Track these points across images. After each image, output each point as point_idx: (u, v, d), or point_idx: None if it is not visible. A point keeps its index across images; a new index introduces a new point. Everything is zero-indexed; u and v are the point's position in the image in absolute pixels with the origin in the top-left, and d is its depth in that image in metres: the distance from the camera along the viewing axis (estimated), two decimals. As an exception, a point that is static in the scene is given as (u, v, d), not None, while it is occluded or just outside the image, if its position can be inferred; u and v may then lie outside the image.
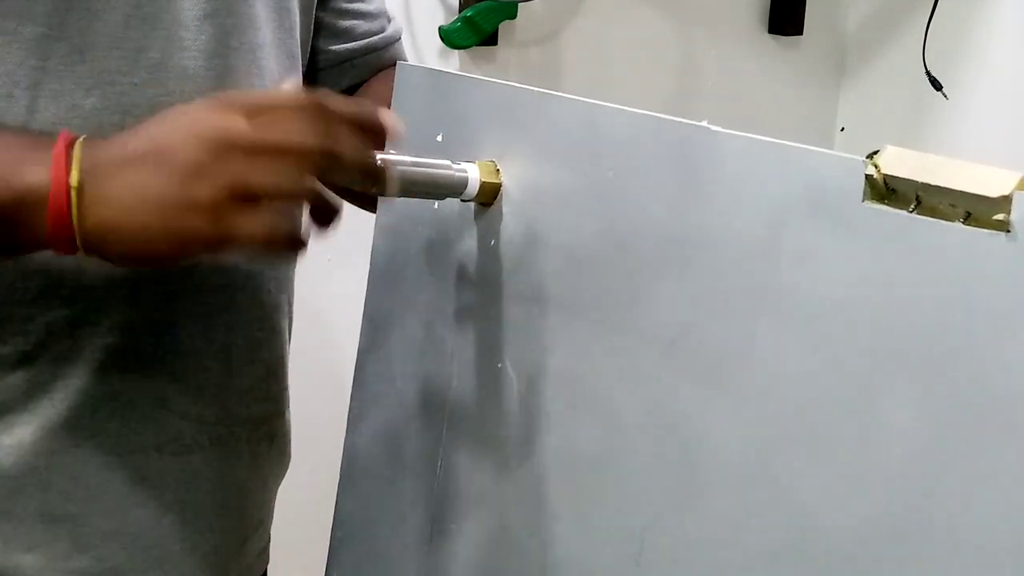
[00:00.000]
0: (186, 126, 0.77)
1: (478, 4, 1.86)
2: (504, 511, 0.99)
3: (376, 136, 0.83)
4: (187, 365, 0.98)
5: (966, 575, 0.71)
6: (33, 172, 0.78)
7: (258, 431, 1.08)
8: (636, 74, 2.10)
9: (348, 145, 0.79)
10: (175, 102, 0.84)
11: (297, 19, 1.05)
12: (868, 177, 0.74)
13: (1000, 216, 0.69)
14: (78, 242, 0.77)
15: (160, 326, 0.96)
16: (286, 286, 1.09)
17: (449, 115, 1.03)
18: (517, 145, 0.97)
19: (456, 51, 1.91)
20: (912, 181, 0.73)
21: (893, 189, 0.74)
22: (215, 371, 1.01)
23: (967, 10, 2.06)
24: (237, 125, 0.76)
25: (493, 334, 0.99)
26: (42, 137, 0.81)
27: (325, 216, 0.81)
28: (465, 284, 1.01)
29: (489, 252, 0.99)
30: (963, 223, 0.70)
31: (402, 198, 1.00)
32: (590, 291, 0.92)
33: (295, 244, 0.80)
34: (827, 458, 0.77)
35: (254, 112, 0.77)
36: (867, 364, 0.75)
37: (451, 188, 0.96)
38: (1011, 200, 0.68)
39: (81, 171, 0.77)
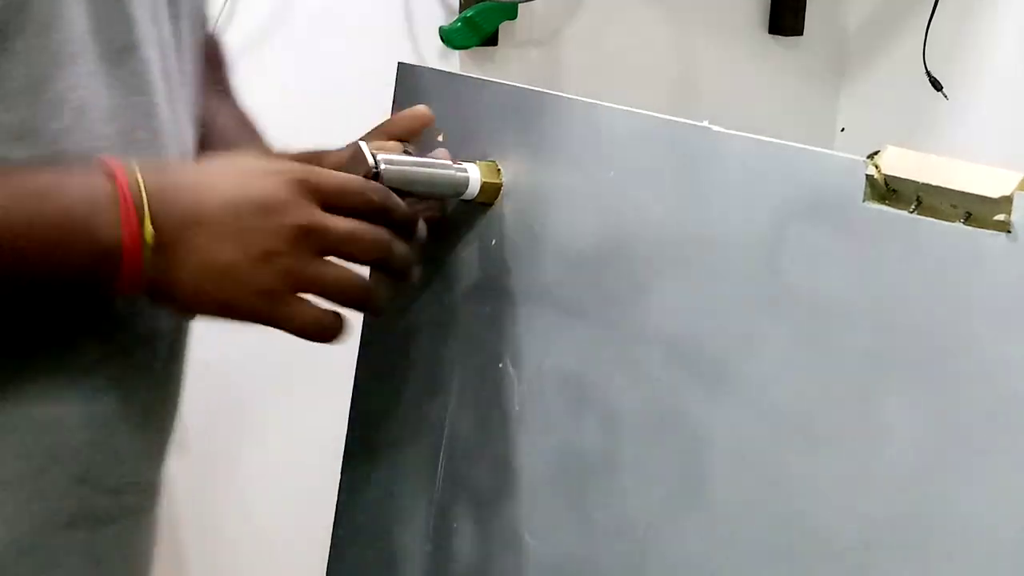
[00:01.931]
0: (266, 207, 0.78)
1: (478, 4, 1.86)
2: (505, 511, 0.99)
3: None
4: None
5: (966, 574, 0.71)
6: (105, 232, 0.76)
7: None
8: (636, 74, 2.09)
9: (401, 248, 0.84)
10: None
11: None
12: (869, 177, 0.74)
13: (1001, 216, 0.69)
14: (143, 290, 0.78)
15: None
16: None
17: (450, 115, 1.03)
18: (518, 145, 0.97)
19: (456, 51, 1.91)
20: (913, 181, 0.73)
21: (894, 189, 0.74)
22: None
23: (967, 10, 2.06)
24: (314, 219, 0.79)
25: (494, 334, 0.99)
26: (96, 176, 0.77)
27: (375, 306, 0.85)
28: (466, 284, 1.02)
29: (490, 252, 0.99)
30: (964, 223, 0.70)
31: (403, 198, 1.00)
32: (591, 291, 0.92)
33: (338, 333, 0.83)
34: (828, 458, 0.77)
35: (325, 196, 0.80)
36: (868, 364, 0.75)
37: (452, 188, 0.96)
38: (1012, 200, 0.68)
39: (155, 227, 0.76)
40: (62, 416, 0.83)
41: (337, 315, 0.83)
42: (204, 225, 0.78)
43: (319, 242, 0.80)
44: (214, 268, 0.78)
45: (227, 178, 0.80)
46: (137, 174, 0.77)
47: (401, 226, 0.85)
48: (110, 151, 0.79)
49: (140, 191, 0.76)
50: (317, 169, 0.82)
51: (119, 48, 0.81)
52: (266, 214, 0.78)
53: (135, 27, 0.83)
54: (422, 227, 0.86)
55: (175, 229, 0.77)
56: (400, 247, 0.84)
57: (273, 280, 0.79)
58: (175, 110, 0.87)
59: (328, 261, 0.81)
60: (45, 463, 0.83)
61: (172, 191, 0.78)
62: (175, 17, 0.89)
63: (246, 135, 1.03)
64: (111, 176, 0.77)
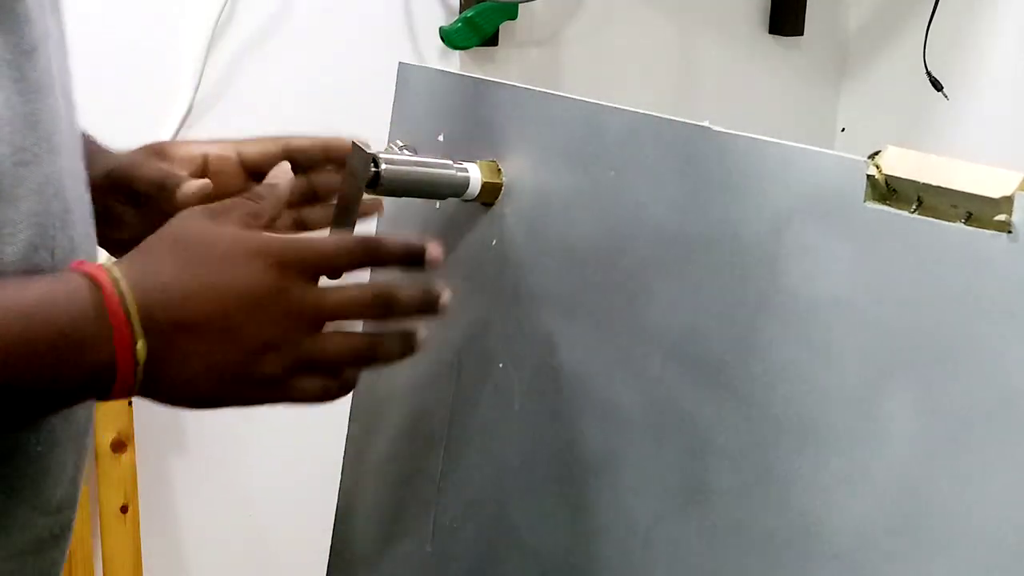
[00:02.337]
0: (255, 300, 0.76)
1: (479, 4, 1.86)
2: (505, 511, 0.99)
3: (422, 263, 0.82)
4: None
5: (966, 574, 0.71)
6: (98, 354, 0.74)
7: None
8: (636, 74, 2.09)
9: (405, 292, 0.80)
10: None
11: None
12: (869, 177, 0.74)
13: (1001, 217, 0.69)
14: (135, 395, 0.77)
15: None
16: None
17: (450, 115, 1.03)
18: (518, 145, 0.97)
19: (457, 51, 1.91)
20: (913, 182, 0.73)
21: (894, 189, 0.74)
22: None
23: (967, 10, 2.06)
24: (302, 297, 0.77)
25: (494, 334, 0.99)
26: (81, 290, 0.74)
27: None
28: (466, 284, 1.01)
29: (490, 252, 0.99)
30: (964, 224, 0.70)
31: (403, 198, 1.00)
32: (592, 291, 0.92)
33: (349, 390, 0.83)
34: (828, 457, 0.77)
35: (311, 271, 0.78)
36: (868, 363, 0.75)
37: (452, 188, 0.96)
38: (1012, 201, 0.68)
39: (145, 340, 0.74)
40: (21, 443, 0.81)
41: (348, 380, 0.82)
42: (195, 330, 0.76)
43: (315, 320, 0.78)
44: (211, 371, 0.77)
45: (210, 271, 0.76)
46: (121, 282, 0.74)
47: (404, 262, 0.82)
48: (26, 158, 0.77)
49: (128, 303, 0.74)
50: (295, 242, 0.79)
51: (26, 51, 0.79)
52: (256, 308, 0.76)
53: (34, 28, 0.81)
54: (432, 248, 0.81)
55: (166, 338, 0.75)
56: (404, 291, 0.80)
57: (273, 369, 0.78)
58: (69, 110, 0.85)
59: (327, 334, 0.78)
60: (7, 495, 0.81)
61: (158, 295, 0.75)
62: (56, 11, 0.86)
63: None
64: (95, 286, 0.74)
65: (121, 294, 0.74)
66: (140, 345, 0.74)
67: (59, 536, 0.87)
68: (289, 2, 1.78)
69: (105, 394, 0.76)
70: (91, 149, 0.95)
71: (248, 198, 0.83)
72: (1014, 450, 0.69)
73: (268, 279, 0.76)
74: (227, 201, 0.82)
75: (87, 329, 0.74)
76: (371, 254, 0.81)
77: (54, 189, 0.79)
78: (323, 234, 0.92)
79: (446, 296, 0.81)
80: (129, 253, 0.78)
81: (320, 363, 0.79)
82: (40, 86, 0.79)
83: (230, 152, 0.97)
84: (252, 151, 0.97)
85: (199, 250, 0.77)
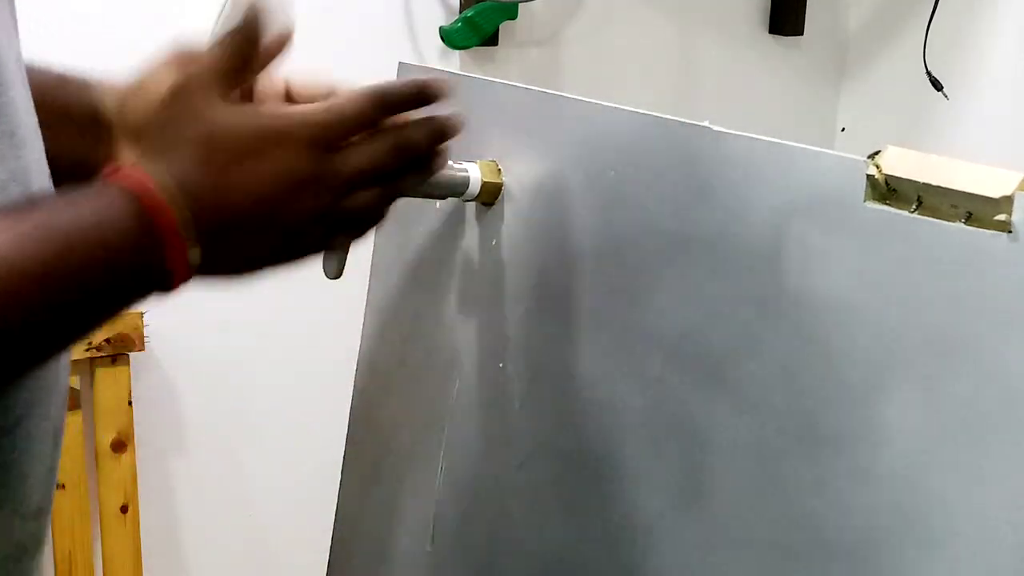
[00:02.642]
0: (289, 180, 0.79)
1: (479, 4, 1.86)
2: (505, 511, 0.99)
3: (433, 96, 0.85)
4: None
5: (966, 574, 0.71)
6: (151, 264, 0.75)
7: None
8: (636, 74, 2.09)
9: (418, 128, 0.84)
10: None
11: None
12: (869, 177, 0.74)
13: (1001, 217, 0.69)
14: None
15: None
16: None
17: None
18: (518, 145, 0.97)
19: (457, 51, 1.91)
20: (913, 182, 0.73)
21: (894, 189, 0.74)
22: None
23: (967, 10, 2.06)
24: (335, 169, 0.80)
25: (494, 334, 0.99)
26: (122, 202, 0.75)
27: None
28: (467, 284, 1.01)
29: (491, 252, 0.99)
30: (964, 223, 0.70)
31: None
32: (592, 291, 0.92)
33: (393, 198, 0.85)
34: (828, 457, 0.77)
35: (337, 140, 0.81)
36: (869, 364, 0.75)
37: (452, 188, 0.96)
38: (1012, 201, 0.68)
39: (199, 246, 0.76)
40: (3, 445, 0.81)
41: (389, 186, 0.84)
42: (243, 225, 0.78)
43: (350, 183, 0.81)
44: (262, 252, 0.80)
45: (248, 164, 0.78)
46: (170, 193, 0.76)
47: (418, 103, 0.84)
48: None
49: (178, 215, 0.76)
50: (319, 118, 0.81)
51: None
52: (296, 190, 0.79)
53: None
54: (437, 83, 0.84)
55: (217, 238, 0.77)
56: (417, 128, 0.84)
57: (318, 232, 0.81)
58: (29, 100, 0.84)
59: (359, 195, 0.82)
60: None
61: (206, 200, 0.77)
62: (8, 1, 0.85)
63: (68, 85, 1.00)
64: (142, 205, 0.75)
65: (171, 206, 0.76)
66: (194, 252, 0.76)
67: (40, 540, 0.87)
68: (289, 2, 1.77)
69: (163, 293, 0.78)
70: (67, 85, 0.96)
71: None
72: (1014, 449, 0.69)
73: (302, 162, 0.79)
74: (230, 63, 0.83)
75: (142, 246, 0.75)
76: (386, 107, 0.83)
77: (20, 187, 0.79)
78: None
79: (458, 116, 0.85)
80: (155, 145, 0.79)
81: (349, 218, 0.82)
82: (2, 81, 0.79)
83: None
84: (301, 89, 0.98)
85: (231, 143, 0.79)
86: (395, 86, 0.84)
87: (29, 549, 0.86)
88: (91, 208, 0.75)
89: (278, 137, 0.79)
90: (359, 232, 0.84)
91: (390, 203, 0.84)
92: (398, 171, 0.83)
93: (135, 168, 0.77)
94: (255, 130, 0.79)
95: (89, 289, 0.75)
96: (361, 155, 0.81)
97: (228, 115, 0.80)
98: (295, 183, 0.79)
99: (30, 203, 0.77)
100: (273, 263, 0.81)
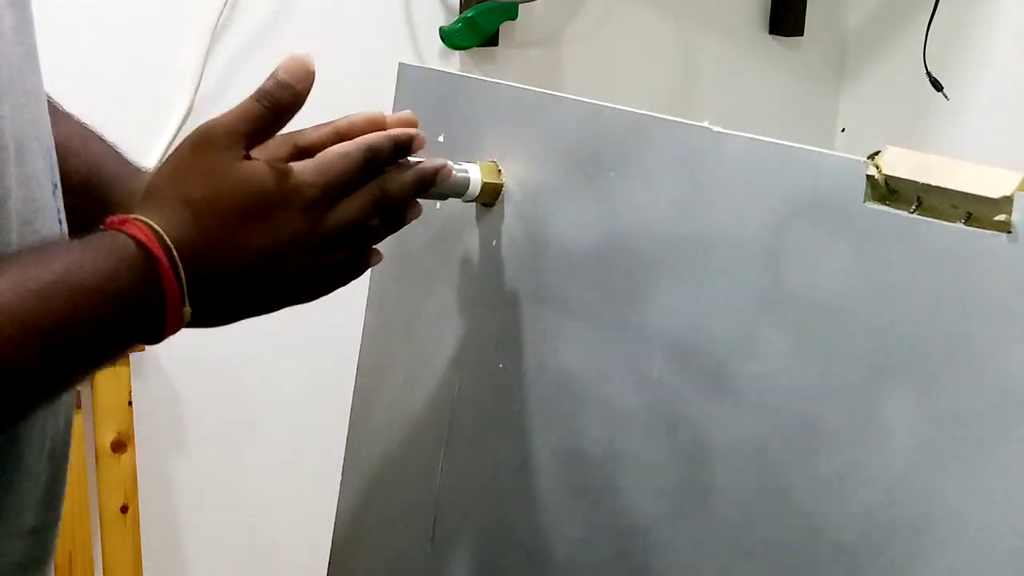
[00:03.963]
0: (288, 243, 0.81)
1: (479, 5, 1.86)
2: (505, 511, 0.99)
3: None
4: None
5: (966, 574, 0.71)
6: (147, 314, 0.77)
7: None
8: (636, 74, 2.09)
9: (397, 180, 0.86)
10: None
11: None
12: (869, 178, 0.74)
13: (1001, 217, 0.69)
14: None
15: None
16: None
17: (450, 116, 1.03)
18: (519, 146, 0.97)
19: (457, 52, 1.91)
20: (913, 182, 0.73)
21: (894, 190, 0.74)
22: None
23: (967, 10, 2.06)
24: (330, 226, 0.83)
25: (495, 334, 0.99)
26: (127, 254, 0.77)
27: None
28: (467, 284, 1.02)
29: (491, 253, 0.99)
30: (964, 224, 0.70)
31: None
32: (592, 292, 0.92)
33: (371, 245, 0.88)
34: (828, 458, 0.77)
35: (334, 199, 0.83)
36: (868, 364, 0.75)
37: (453, 188, 0.96)
38: (1012, 201, 0.68)
39: (191, 299, 0.79)
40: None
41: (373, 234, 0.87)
42: (239, 283, 0.81)
43: (340, 238, 0.83)
44: (253, 303, 0.83)
45: (250, 228, 0.80)
46: (174, 251, 0.77)
47: (398, 153, 0.86)
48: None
49: (180, 273, 0.77)
50: (319, 178, 0.82)
51: None
52: (293, 251, 0.82)
53: None
54: (418, 139, 0.87)
55: (214, 294, 0.80)
56: (396, 180, 0.86)
57: (309, 283, 0.84)
58: (36, 109, 0.85)
59: (342, 224, 0.84)
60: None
61: (207, 259, 0.79)
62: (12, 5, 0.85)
63: (111, 157, 1.00)
64: (148, 255, 0.77)
65: (174, 270, 0.77)
66: (187, 311, 0.79)
67: (40, 559, 0.88)
68: (289, 2, 1.78)
69: (151, 342, 0.80)
70: (113, 168, 0.96)
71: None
72: (1014, 449, 0.69)
73: (298, 224, 0.81)
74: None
75: (140, 298, 0.77)
76: (375, 164, 0.85)
77: (20, 200, 0.79)
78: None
79: (439, 163, 0.89)
80: (164, 196, 0.79)
81: (335, 266, 0.85)
82: None
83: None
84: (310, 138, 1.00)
85: (237, 205, 0.80)
86: (382, 142, 0.85)
87: (29, 568, 0.86)
88: (98, 264, 0.76)
89: (280, 203, 0.81)
90: (339, 284, 0.86)
91: (367, 255, 0.87)
92: (379, 226, 0.86)
93: (142, 226, 0.77)
94: (260, 194, 0.80)
95: (86, 342, 0.76)
96: (347, 213, 0.84)
97: (238, 174, 0.80)
98: (290, 245, 0.81)
99: (41, 253, 0.78)
100: (255, 313, 0.84)
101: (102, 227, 0.77)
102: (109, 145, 1.00)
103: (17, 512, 0.84)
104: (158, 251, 0.77)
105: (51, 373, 0.76)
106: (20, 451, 0.83)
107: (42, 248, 0.79)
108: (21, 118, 0.81)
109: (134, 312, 0.77)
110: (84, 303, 0.75)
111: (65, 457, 0.90)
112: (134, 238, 0.76)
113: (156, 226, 0.77)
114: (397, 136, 0.86)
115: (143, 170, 0.99)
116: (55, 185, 0.85)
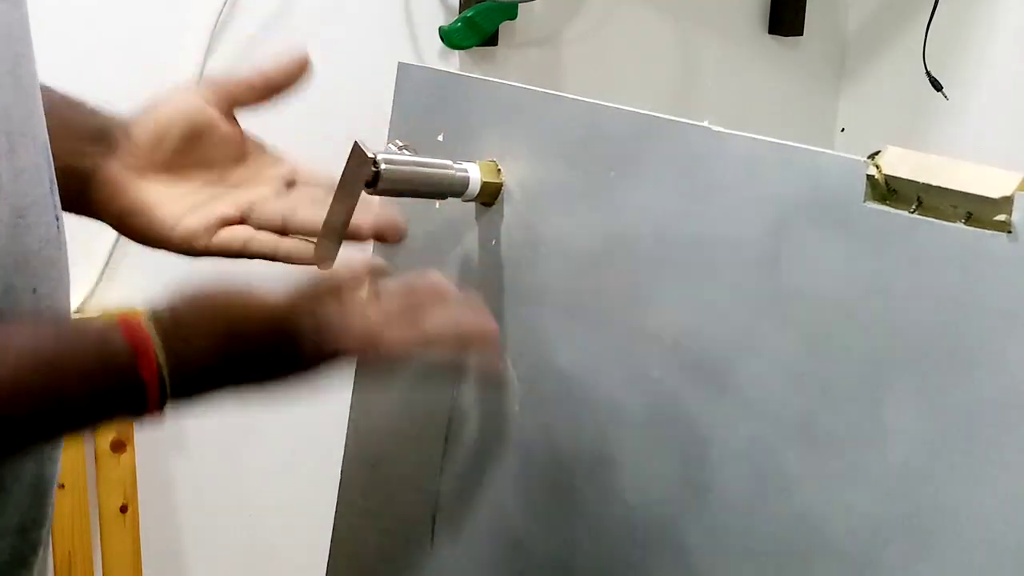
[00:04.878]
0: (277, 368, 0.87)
1: (478, 4, 1.86)
2: (505, 511, 0.99)
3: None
4: None
5: (967, 574, 0.71)
6: (128, 402, 0.80)
7: None
8: (636, 74, 2.09)
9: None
10: None
11: None
12: (869, 178, 0.74)
13: (1001, 217, 0.69)
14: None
15: None
16: None
17: (450, 115, 1.03)
18: (518, 145, 0.97)
19: (456, 51, 1.91)
20: (913, 182, 0.73)
21: (894, 190, 0.74)
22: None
23: (967, 10, 2.06)
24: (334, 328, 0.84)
25: (494, 334, 0.99)
26: (118, 354, 0.79)
27: None
28: (466, 284, 1.01)
29: (490, 252, 0.99)
30: (964, 224, 0.70)
31: (403, 198, 1.00)
32: (592, 291, 0.92)
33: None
34: (829, 457, 0.77)
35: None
36: (869, 364, 0.75)
37: (452, 188, 0.96)
38: (1012, 201, 0.68)
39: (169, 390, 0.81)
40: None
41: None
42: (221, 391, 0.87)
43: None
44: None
45: (245, 351, 0.85)
46: (165, 369, 0.80)
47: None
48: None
49: (166, 384, 0.80)
50: (317, 307, 0.84)
51: None
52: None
53: None
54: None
55: (194, 397, 0.85)
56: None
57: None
58: (29, 101, 0.85)
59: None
60: None
61: (194, 369, 0.83)
62: None
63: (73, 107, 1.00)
64: (138, 362, 0.79)
65: (162, 378, 0.80)
66: (167, 405, 0.82)
67: (28, 557, 0.88)
68: (289, 2, 1.78)
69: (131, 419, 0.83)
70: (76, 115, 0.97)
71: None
72: (1014, 449, 0.69)
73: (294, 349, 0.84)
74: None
75: (124, 390, 0.80)
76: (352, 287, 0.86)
77: (9, 194, 0.80)
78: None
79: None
80: (177, 316, 0.82)
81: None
82: None
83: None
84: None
85: (242, 329, 0.84)
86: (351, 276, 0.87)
87: (16, 566, 0.86)
88: (96, 356, 0.79)
89: (288, 325, 0.83)
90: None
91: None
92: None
93: (147, 341, 0.80)
94: (264, 317, 0.83)
95: (72, 413, 0.80)
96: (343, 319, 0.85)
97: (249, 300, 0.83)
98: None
99: (50, 331, 0.81)
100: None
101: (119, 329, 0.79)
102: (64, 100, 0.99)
103: (7, 508, 0.84)
104: (149, 362, 0.80)
105: (45, 426, 0.80)
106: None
107: (55, 326, 0.82)
108: (17, 114, 0.81)
109: (121, 401, 0.80)
110: (76, 386, 0.79)
111: (55, 453, 0.90)
112: (133, 348, 0.79)
113: (158, 347, 0.80)
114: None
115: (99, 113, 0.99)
116: (51, 181, 0.85)
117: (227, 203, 0.95)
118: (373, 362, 0.88)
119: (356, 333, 0.84)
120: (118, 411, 0.81)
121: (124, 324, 0.79)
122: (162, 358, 0.79)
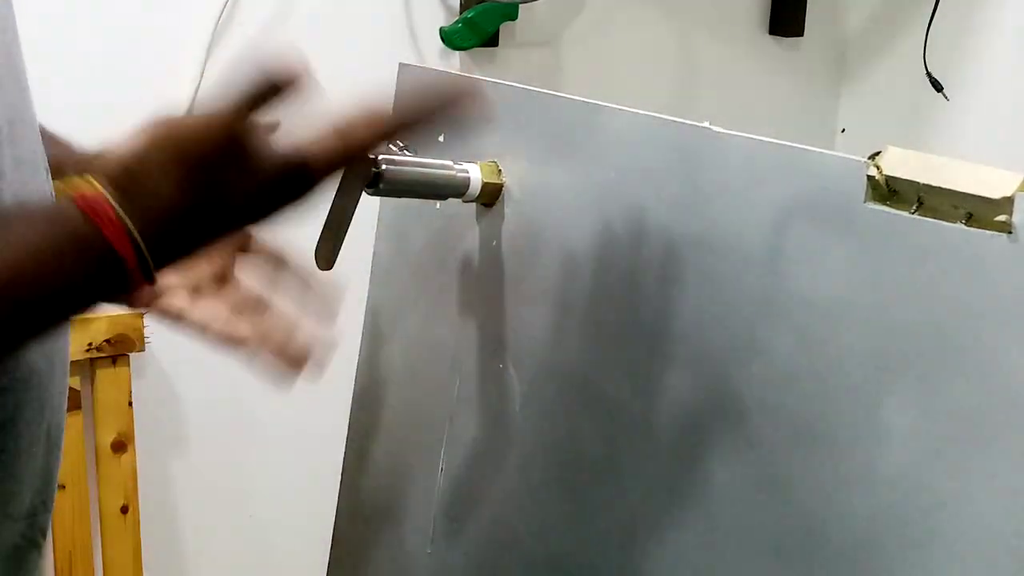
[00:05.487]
0: (244, 206, 0.78)
1: (479, 5, 1.86)
2: (505, 511, 0.99)
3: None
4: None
5: (966, 574, 0.71)
6: (110, 276, 0.74)
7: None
8: (636, 75, 2.09)
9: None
10: None
11: None
12: (870, 178, 0.74)
13: (1002, 217, 0.69)
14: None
15: None
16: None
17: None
18: (519, 146, 0.97)
19: (457, 52, 1.91)
20: (914, 182, 0.73)
21: (895, 190, 0.74)
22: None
23: (967, 11, 2.06)
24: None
25: (495, 334, 0.99)
26: (83, 235, 0.74)
27: None
28: (467, 284, 1.02)
29: (491, 252, 0.99)
30: (965, 224, 0.70)
31: (404, 199, 1.00)
32: (592, 291, 0.92)
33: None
34: (829, 457, 0.77)
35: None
36: (869, 364, 0.75)
37: (453, 188, 0.96)
38: (1012, 201, 0.68)
39: (144, 246, 0.75)
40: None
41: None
42: (195, 240, 0.77)
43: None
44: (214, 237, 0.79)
45: (208, 192, 0.77)
46: (134, 233, 0.74)
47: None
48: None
49: (139, 244, 0.75)
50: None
51: None
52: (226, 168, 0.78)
53: None
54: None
55: (169, 252, 0.77)
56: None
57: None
58: (21, 96, 0.85)
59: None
60: None
61: (164, 226, 0.76)
62: None
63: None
64: (104, 238, 0.74)
65: (134, 242, 0.74)
66: (152, 260, 0.75)
67: (35, 541, 0.88)
68: (289, 2, 1.78)
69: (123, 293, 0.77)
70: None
71: None
72: (1014, 450, 0.69)
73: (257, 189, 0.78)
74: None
75: (99, 267, 0.74)
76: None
77: (14, 179, 0.79)
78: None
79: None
80: (128, 168, 0.77)
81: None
82: None
83: None
84: None
85: (195, 170, 0.77)
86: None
87: (25, 550, 0.86)
88: (56, 230, 0.74)
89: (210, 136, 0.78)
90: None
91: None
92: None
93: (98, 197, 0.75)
94: (220, 154, 0.77)
95: (46, 289, 0.73)
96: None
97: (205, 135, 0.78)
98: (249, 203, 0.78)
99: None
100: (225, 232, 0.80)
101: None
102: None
103: (17, 494, 0.84)
104: (117, 234, 0.74)
105: (18, 315, 0.73)
106: (20, 432, 0.83)
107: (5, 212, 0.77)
108: (15, 104, 0.81)
109: (86, 258, 0.74)
110: (34, 258, 0.72)
111: (60, 439, 0.90)
112: (94, 222, 0.74)
113: (123, 216, 0.74)
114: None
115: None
116: (47, 171, 0.85)
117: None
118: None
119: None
120: (105, 291, 0.76)
121: (80, 200, 0.74)
122: (128, 222, 0.74)
